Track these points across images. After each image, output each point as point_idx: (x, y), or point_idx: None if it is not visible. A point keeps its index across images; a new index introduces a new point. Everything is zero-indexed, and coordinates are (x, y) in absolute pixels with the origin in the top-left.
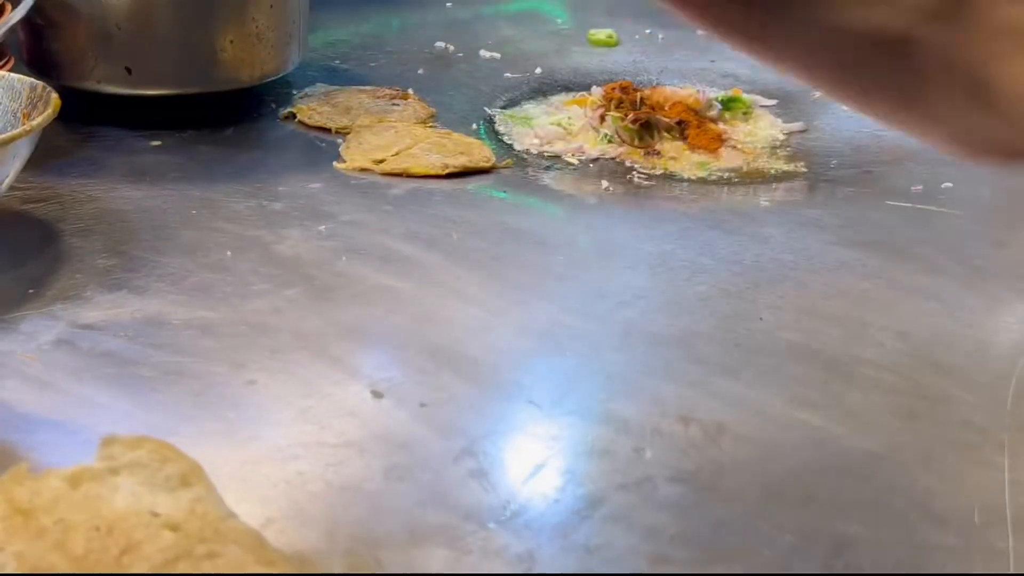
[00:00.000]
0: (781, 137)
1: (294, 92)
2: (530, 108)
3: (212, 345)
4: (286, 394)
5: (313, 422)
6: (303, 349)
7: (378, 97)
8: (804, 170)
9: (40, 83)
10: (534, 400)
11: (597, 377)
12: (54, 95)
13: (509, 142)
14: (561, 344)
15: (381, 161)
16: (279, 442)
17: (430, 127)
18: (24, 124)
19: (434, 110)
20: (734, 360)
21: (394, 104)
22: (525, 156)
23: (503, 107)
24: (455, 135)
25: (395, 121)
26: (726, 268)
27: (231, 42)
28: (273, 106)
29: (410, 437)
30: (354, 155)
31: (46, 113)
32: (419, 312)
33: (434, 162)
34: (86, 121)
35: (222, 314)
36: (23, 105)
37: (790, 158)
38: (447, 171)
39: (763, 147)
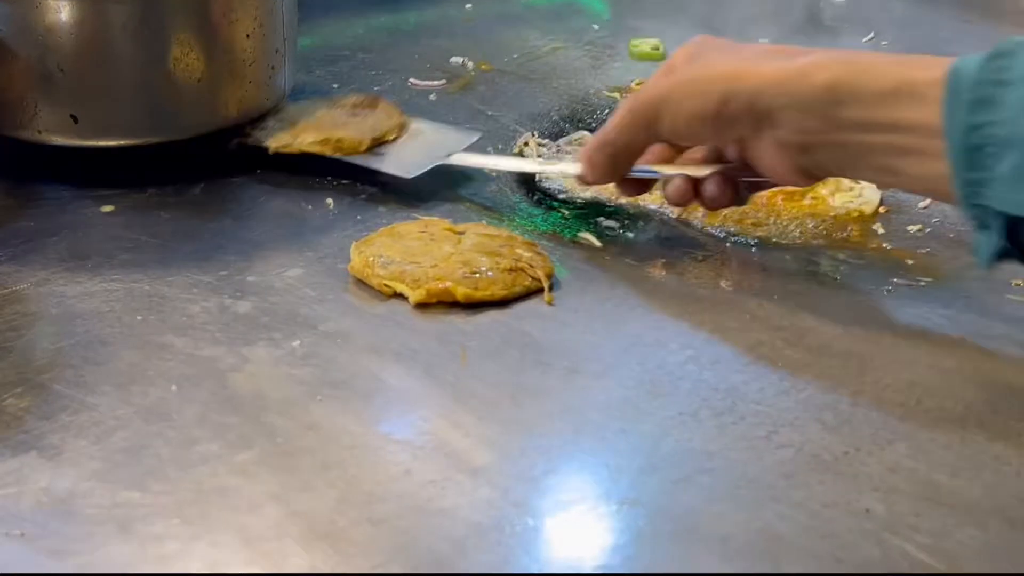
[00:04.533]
0: (874, 196)
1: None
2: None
3: (132, 553)
4: None
5: None
6: (253, 564)
7: (338, 107)
8: (897, 239)
9: None
10: None
11: None
12: None
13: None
14: (604, 560)
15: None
16: None
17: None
18: None
19: (404, 119)
20: None
21: (356, 114)
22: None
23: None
24: (495, 235)
25: (418, 230)
26: (815, 418)
27: (199, 81)
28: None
29: None
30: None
31: None
32: (413, 495)
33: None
34: (29, 177)
35: (152, 497)
36: None
37: (877, 220)
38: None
39: (845, 202)
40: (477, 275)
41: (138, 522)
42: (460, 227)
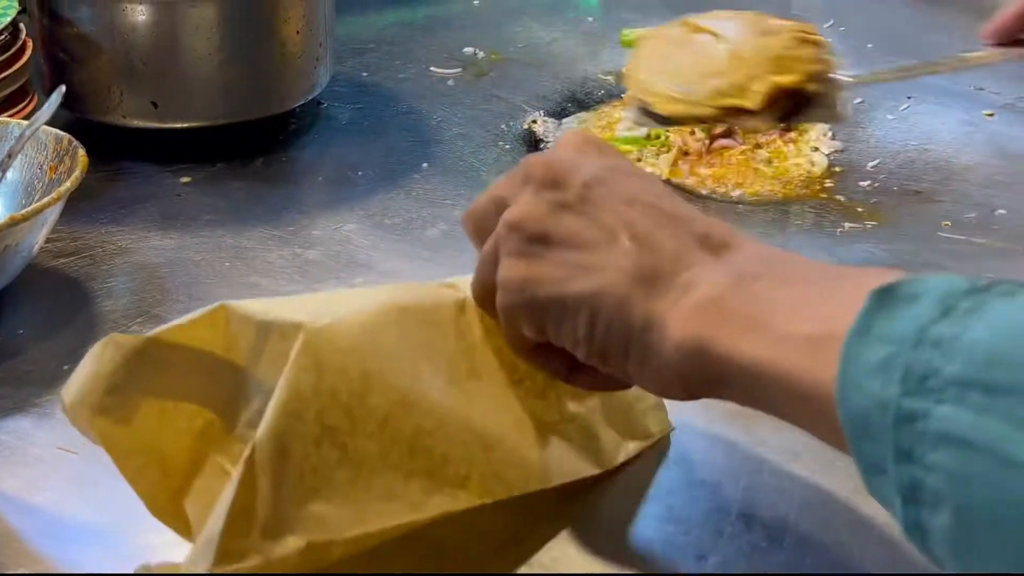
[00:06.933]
0: (823, 159)
1: (321, 103)
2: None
3: None
4: None
5: None
6: None
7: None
8: (850, 193)
9: (65, 136)
10: None
11: None
12: (81, 152)
13: None
14: None
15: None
16: None
17: None
18: (51, 176)
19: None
20: None
21: None
22: None
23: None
24: None
25: None
26: None
27: (258, 72)
28: (295, 124)
29: None
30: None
31: (74, 176)
32: None
33: None
34: (113, 156)
35: None
36: (49, 158)
37: (830, 178)
38: None
39: (800, 162)
40: None
41: None
42: None
